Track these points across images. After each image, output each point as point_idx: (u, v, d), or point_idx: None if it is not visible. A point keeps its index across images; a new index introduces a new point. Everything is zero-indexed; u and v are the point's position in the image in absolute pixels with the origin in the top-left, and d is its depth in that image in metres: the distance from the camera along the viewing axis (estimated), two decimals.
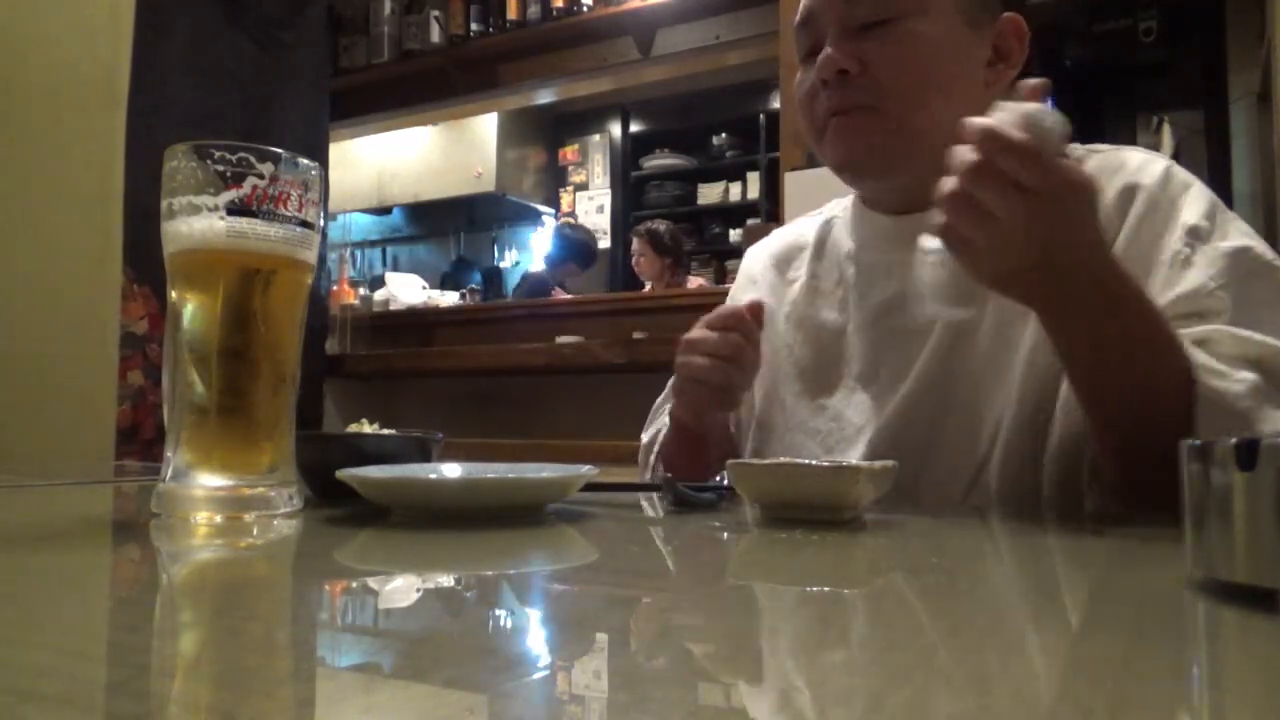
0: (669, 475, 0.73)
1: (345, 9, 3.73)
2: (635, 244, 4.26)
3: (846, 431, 0.88)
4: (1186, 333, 0.70)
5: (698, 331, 0.85)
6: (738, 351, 0.82)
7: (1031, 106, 0.62)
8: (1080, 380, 0.71)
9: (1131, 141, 2.73)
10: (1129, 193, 0.80)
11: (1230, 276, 0.74)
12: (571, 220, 5.33)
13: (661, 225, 4.26)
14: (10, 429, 1.84)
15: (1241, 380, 0.66)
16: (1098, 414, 0.71)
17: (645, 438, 1.05)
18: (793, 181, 2.50)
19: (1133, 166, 0.82)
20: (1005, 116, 0.62)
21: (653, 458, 1.01)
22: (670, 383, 1.08)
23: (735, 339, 0.82)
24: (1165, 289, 0.75)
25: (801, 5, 0.88)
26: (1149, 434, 0.66)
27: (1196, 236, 0.76)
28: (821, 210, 1.05)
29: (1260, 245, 0.76)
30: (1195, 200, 0.79)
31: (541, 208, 5.82)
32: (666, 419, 1.00)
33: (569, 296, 3.81)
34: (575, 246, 4.31)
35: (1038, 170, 0.59)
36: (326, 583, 0.45)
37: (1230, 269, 0.74)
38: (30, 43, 1.96)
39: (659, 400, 1.08)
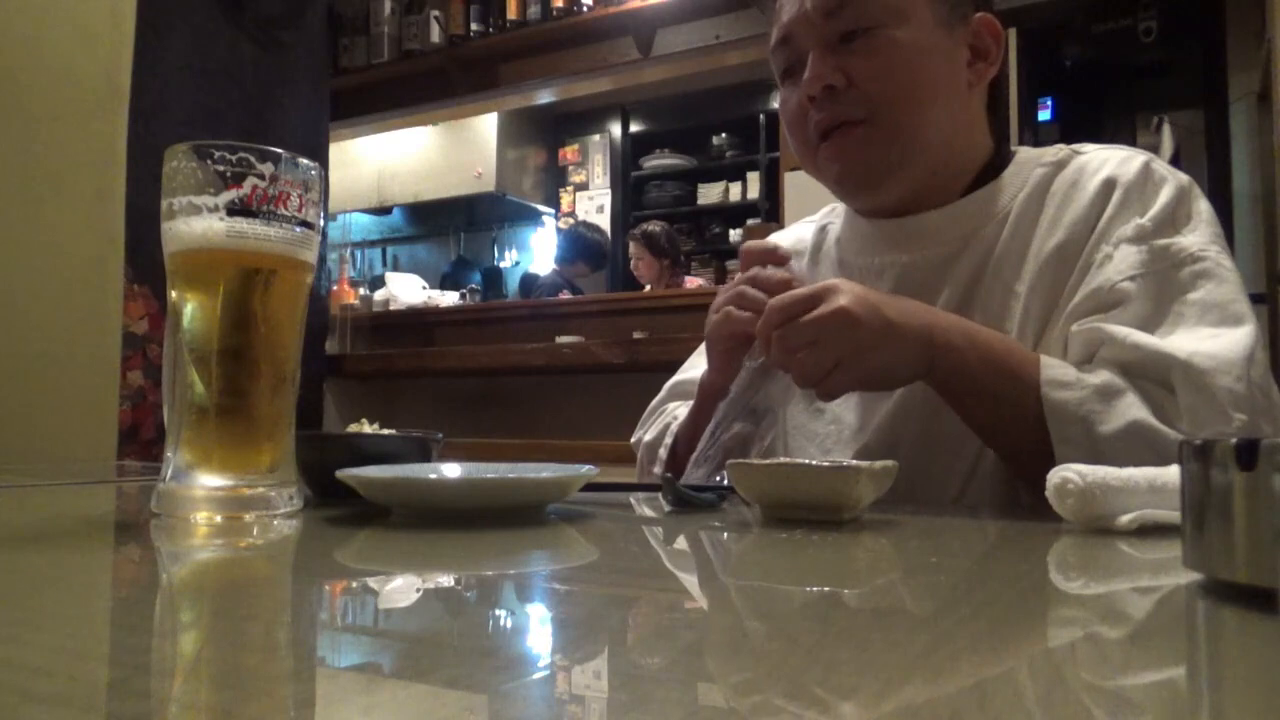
0: (669, 475, 0.73)
1: (345, 9, 3.73)
2: (632, 248, 4.24)
3: (844, 435, 0.89)
4: (1081, 330, 0.76)
5: (739, 289, 0.83)
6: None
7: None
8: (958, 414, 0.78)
9: (1131, 141, 2.73)
10: (1108, 187, 0.82)
11: (1148, 270, 0.76)
12: (584, 220, 5.30)
13: (656, 226, 4.24)
14: (11, 429, 1.84)
15: (1085, 387, 0.71)
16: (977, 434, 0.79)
17: (648, 436, 1.04)
18: (793, 181, 2.50)
19: (1114, 162, 0.83)
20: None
21: (662, 450, 0.98)
22: (667, 385, 1.07)
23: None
24: (1084, 287, 0.78)
25: (778, 24, 0.87)
26: (1021, 446, 0.75)
27: (1134, 236, 0.78)
28: (817, 216, 1.05)
29: (1193, 238, 0.77)
30: (1159, 199, 0.80)
31: (541, 208, 5.82)
32: (677, 414, 0.99)
33: (569, 297, 3.81)
34: (590, 246, 4.31)
35: (796, 335, 0.72)
36: (326, 583, 0.45)
37: (1149, 263, 0.76)
38: (30, 43, 1.96)
39: (654, 402, 1.08)
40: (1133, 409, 0.69)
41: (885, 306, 0.72)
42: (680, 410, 0.99)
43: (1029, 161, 0.88)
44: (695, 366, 1.02)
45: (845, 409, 0.90)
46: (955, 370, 0.74)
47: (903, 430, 0.84)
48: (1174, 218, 0.79)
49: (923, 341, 0.73)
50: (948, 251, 0.86)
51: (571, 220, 5.41)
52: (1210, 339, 0.72)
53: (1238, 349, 0.71)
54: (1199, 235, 0.77)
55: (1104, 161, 0.84)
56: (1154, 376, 0.72)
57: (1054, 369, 0.73)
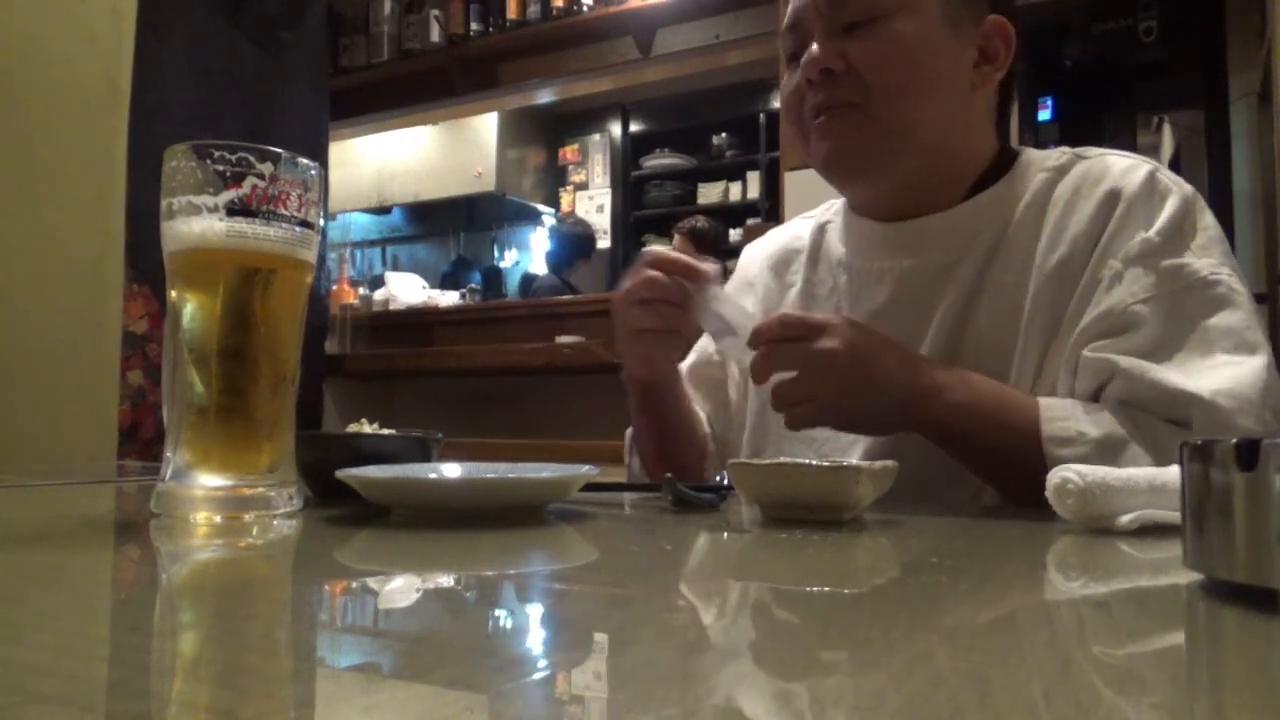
0: (669, 475, 0.72)
1: (345, 9, 3.73)
2: (676, 241, 4.11)
3: (843, 440, 0.88)
4: (1093, 357, 0.75)
5: (636, 278, 0.82)
6: (677, 294, 0.80)
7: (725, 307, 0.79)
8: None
9: (1132, 141, 2.72)
10: (1111, 199, 0.80)
11: (1159, 292, 0.75)
12: (565, 218, 5.29)
13: (704, 224, 4.13)
14: (11, 429, 1.84)
15: (1087, 442, 0.71)
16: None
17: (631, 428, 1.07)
18: (793, 181, 2.50)
19: (1116, 172, 0.82)
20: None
21: (627, 451, 1.03)
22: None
23: (677, 284, 0.80)
24: (1094, 307, 0.77)
25: (789, 9, 0.88)
26: (1020, 490, 0.73)
27: (1142, 253, 0.77)
28: (815, 212, 1.04)
29: (1205, 259, 0.76)
30: (1165, 213, 0.79)
31: (541, 207, 5.82)
32: None
33: (569, 297, 3.80)
34: (576, 241, 4.31)
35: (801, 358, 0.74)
36: (326, 583, 0.45)
37: (1160, 284, 0.75)
38: (31, 43, 1.96)
39: None
40: (1137, 462, 0.69)
41: (876, 359, 0.74)
42: None
43: (1032, 165, 0.87)
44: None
45: None
46: (946, 423, 0.76)
47: (901, 440, 0.83)
48: (1181, 232, 0.78)
49: (908, 397, 0.75)
50: (950, 257, 0.85)
51: (557, 221, 5.39)
52: (1228, 368, 0.71)
53: (1256, 384, 0.70)
54: (1211, 256, 0.77)
55: (1106, 170, 0.83)
56: (1168, 414, 0.71)
57: (1054, 423, 0.72)
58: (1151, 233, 0.77)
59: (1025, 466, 0.71)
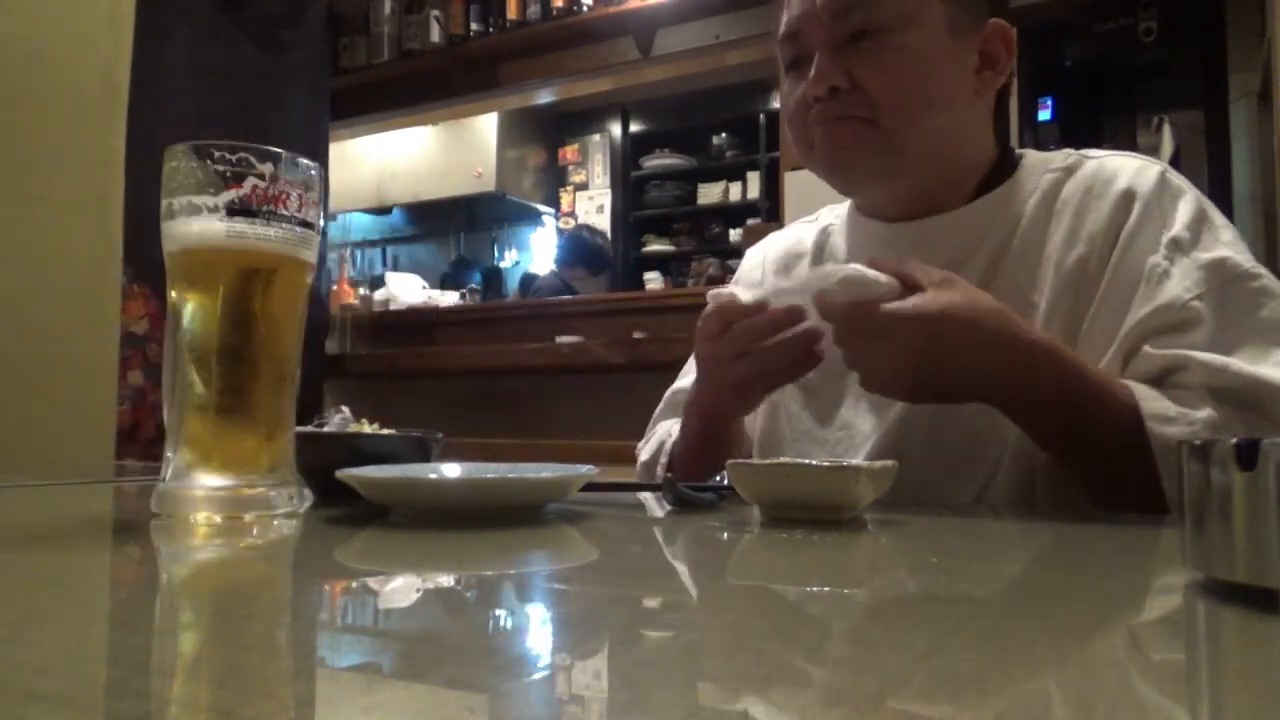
0: (669, 475, 0.72)
1: (345, 9, 3.73)
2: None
3: (855, 440, 0.88)
4: (1160, 354, 0.73)
5: (717, 322, 0.77)
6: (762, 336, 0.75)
7: (848, 270, 0.72)
8: (1033, 439, 0.76)
9: (1132, 141, 2.72)
10: (1127, 200, 0.81)
11: (1208, 286, 0.75)
12: (586, 224, 5.28)
13: None
14: (11, 429, 1.84)
15: (1193, 422, 0.68)
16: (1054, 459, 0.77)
17: (645, 456, 1.02)
18: (793, 181, 2.50)
19: (1129, 172, 0.83)
20: (829, 283, 0.72)
21: (659, 470, 0.97)
22: (667, 394, 1.07)
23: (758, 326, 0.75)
24: (1143, 303, 0.76)
25: (786, 18, 0.86)
26: (1105, 473, 0.73)
27: (1177, 248, 0.77)
28: (817, 216, 1.04)
29: (1240, 254, 0.76)
30: (1183, 210, 0.79)
31: (541, 207, 5.81)
32: (671, 430, 0.98)
33: (568, 297, 3.81)
34: (591, 250, 4.29)
35: (869, 324, 0.69)
36: (326, 583, 0.45)
37: (1208, 279, 0.75)
38: (28, 43, 1.96)
39: (656, 413, 1.07)
40: None
41: (995, 316, 0.70)
42: (674, 428, 0.97)
43: (1037, 166, 0.87)
44: (692, 372, 1.01)
45: (855, 415, 0.89)
46: (1047, 392, 0.71)
47: (908, 435, 0.83)
48: (1210, 227, 0.78)
49: (1025, 359, 0.70)
50: (957, 256, 0.85)
51: (573, 222, 5.40)
52: None
53: None
54: (1242, 251, 0.77)
55: (1118, 170, 0.83)
56: (1243, 401, 0.70)
57: (1151, 401, 0.70)
58: (1182, 229, 0.77)
59: (1118, 444, 0.69)
